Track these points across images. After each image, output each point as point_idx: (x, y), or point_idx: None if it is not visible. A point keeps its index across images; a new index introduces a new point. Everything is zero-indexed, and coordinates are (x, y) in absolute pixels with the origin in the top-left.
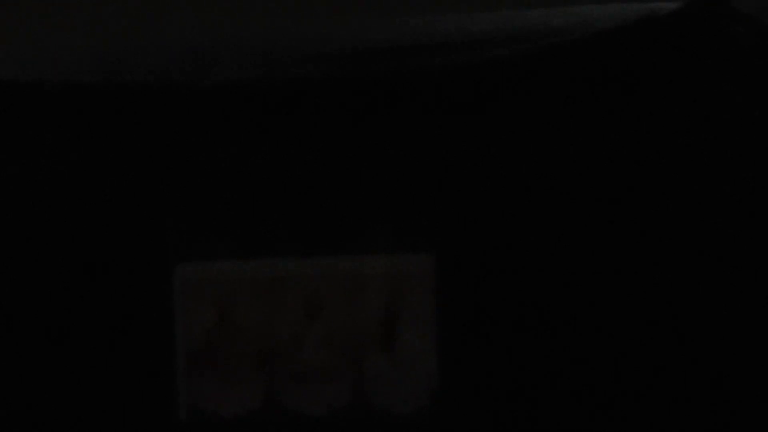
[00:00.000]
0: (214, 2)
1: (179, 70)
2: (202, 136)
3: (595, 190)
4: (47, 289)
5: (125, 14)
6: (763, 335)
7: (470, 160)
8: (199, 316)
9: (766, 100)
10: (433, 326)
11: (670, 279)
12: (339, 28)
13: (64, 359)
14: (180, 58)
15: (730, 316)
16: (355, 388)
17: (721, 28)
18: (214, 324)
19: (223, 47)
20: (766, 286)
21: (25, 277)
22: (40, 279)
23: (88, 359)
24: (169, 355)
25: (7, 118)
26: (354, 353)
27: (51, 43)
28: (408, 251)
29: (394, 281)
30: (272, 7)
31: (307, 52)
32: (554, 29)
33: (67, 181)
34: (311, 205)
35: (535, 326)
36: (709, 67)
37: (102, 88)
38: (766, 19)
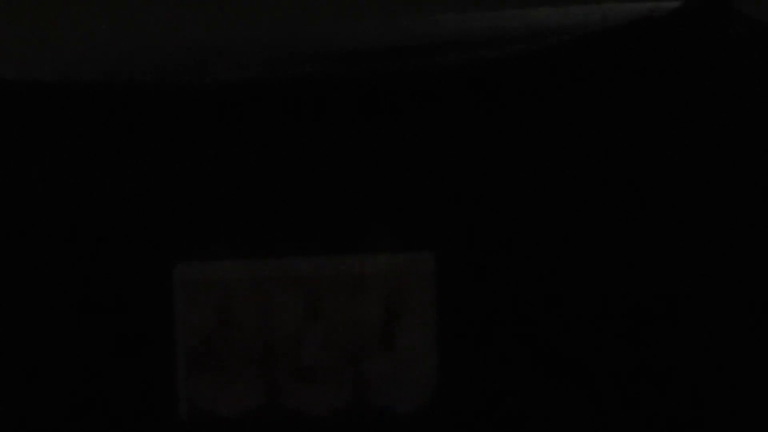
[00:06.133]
0: (214, 2)
1: (179, 70)
2: (202, 135)
3: (595, 189)
4: (46, 288)
5: (125, 14)
6: (764, 335)
7: (470, 160)
8: (199, 316)
9: (766, 100)
10: (433, 325)
11: (672, 279)
12: (339, 28)
13: (64, 359)
14: (180, 58)
15: (730, 316)
16: (355, 387)
17: (721, 28)
18: (214, 324)
19: (223, 47)
20: (766, 286)
21: (24, 276)
22: (40, 278)
23: (87, 359)
24: (169, 355)
25: (7, 118)
26: (354, 353)
27: (51, 43)
28: (408, 250)
29: (394, 280)
30: (272, 7)
31: (307, 52)
32: (554, 29)
33: (66, 181)
34: (311, 205)
35: (535, 325)
36: (709, 67)
37: (102, 88)
38: (766, 19)
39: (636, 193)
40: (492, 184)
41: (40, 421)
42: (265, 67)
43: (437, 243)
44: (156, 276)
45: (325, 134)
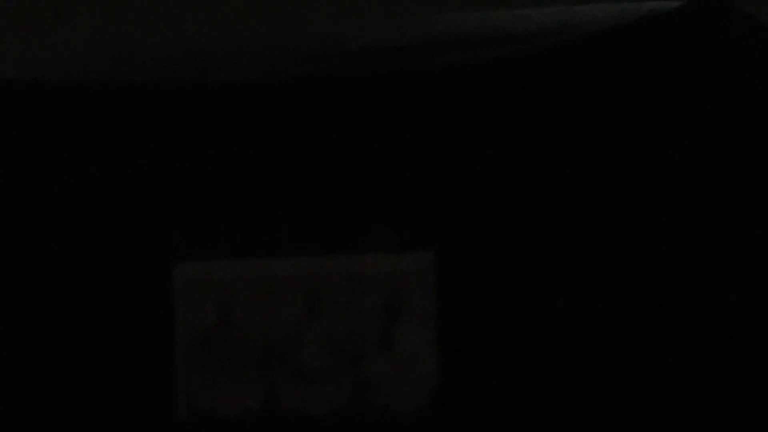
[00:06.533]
0: (214, 2)
1: (179, 70)
2: (202, 135)
3: (595, 189)
4: (47, 288)
5: (125, 14)
6: (763, 335)
7: (470, 159)
8: (199, 316)
9: (766, 100)
10: (433, 325)
11: (671, 279)
12: (339, 28)
13: (64, 359)
14: (180, 58)
15: (729, 316)
16: (355, 387)
17: (721, 27)
18: (214, 324)
19: (223, 47)
20: (766, 286)
21: (24, 276)
22: (40, 278)
23: (87, 359)
24: (169, 355)
25: (8, 118)
26: (354, 352)
27: (51, 43)
28: (407, 250)
29: (394, 280)
30: (272, 7)
31: (307, 52)
32: (554, 29)
33: (66, 181)
34: (311, 205)
35: (535, 324)
36: (709, 67)
37: (102, 88)
38: (766, 19)
39: (636, 193)
40: (492, 183)
41: (41, 421)
42: (265, 67)
43: (437, 242)
44: (156, 276)
45: (325, 134)
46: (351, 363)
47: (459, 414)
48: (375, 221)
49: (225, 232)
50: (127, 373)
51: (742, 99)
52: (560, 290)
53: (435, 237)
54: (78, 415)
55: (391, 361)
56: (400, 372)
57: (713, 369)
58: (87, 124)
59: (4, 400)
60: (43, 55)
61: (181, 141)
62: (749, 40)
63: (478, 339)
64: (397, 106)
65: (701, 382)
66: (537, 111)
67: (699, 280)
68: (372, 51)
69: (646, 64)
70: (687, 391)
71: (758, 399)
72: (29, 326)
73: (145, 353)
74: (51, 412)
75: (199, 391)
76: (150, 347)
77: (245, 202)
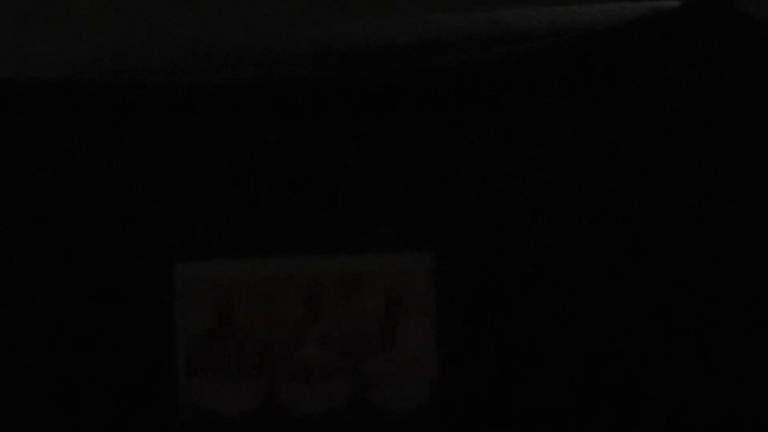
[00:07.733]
0: (214, 2)
1: (179, 70)
2: (202, 135)
3: (595, 189)
4: (46, 288)
5: (126, 14)
6: (763, 335)
7: (470, 159)
8: (199, 316)
9: (766, 100)
10: (433, 325)
11: (671, 279)
12: (339, 28)
13: (64, 359)
14: (180, 58)
15: (729, 316)
16: (355, 387)
17: (721, 27)
18: (214, 323)
19: (223, 47)
20: (766, 286)
21: (24, 276)
22: (40, 278)
23: (87, 359)
24: (169, 355)
25: (7, 117)
26: (354, 352)
27: (51, 42)
28: (408, 249)
29: (394, 279)
30: (272, 6)
31: (307, 52)
32: (554, 29)
33: (66, 181)
34: (311, 204)
35: (535, 325)
36: (709, 67)
37: (102, 88)
38: (766, 19)
39: (636, 193)
40: (492, 183)
41: (41, 421)
42: (265, 66)
43: (438, 242)
44: (156, 276)
45: (325, 134)
46: (351, 363)
47: (459, 414)
48: (375, 221)
49: (225, 232)
50: (127, 373)
51: (742, 98)
52: (560, 290)
53: (435, 237)
54: (78, 415)
55: (391, 361)
56: (400, 371)
57: (713, 369)
58: (87, 123)
59: (4, 401)
60: (43, 55)
61: (180, 141)
62: (749, 40)
63: (478, 339)
64: (398, 106)
65: (702, 385)
66: (537, 111)
67: (699, 280)
68: (372, 51)
69: (647, 63)
70: (687, 394)
71: (758, 399)
72: (29, 326)
73: (145, 353)
74: (51, 413)
75: (199, 391)
76: (150, 347)
77: (245, 202)
